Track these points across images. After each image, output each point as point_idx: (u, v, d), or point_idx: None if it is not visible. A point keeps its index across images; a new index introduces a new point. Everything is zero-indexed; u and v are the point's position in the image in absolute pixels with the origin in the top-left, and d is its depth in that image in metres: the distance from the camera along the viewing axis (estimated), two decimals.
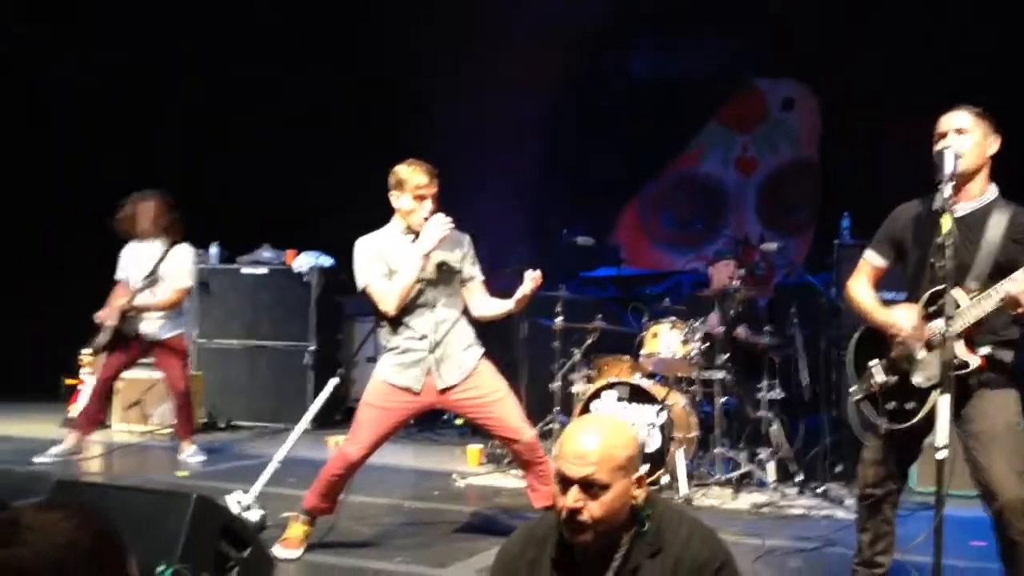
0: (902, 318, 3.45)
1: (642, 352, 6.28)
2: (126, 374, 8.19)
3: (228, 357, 8.67)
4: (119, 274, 6.80)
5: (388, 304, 4.41)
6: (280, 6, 9.96)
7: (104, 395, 7.01)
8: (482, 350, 4.60)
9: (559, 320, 6.80)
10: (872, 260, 3.69)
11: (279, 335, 8.59)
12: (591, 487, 2.26)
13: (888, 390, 3.49)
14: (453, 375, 4.45)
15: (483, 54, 9.49)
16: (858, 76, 8.27)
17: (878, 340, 3.56)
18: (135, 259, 6.72)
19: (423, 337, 4.44)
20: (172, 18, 9.56)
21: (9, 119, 9.47)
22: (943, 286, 3.15)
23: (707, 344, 6.15)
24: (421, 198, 4.39)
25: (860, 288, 3.68)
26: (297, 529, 4.48)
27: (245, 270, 8.72)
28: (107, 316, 6.63)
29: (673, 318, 6.28)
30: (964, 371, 3.24)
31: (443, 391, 4.46)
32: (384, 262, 4.44)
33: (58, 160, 9.76)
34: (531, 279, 4.42)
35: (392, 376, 4.46)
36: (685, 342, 6.10)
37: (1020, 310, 3.17)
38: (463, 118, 9.43)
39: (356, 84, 9.80)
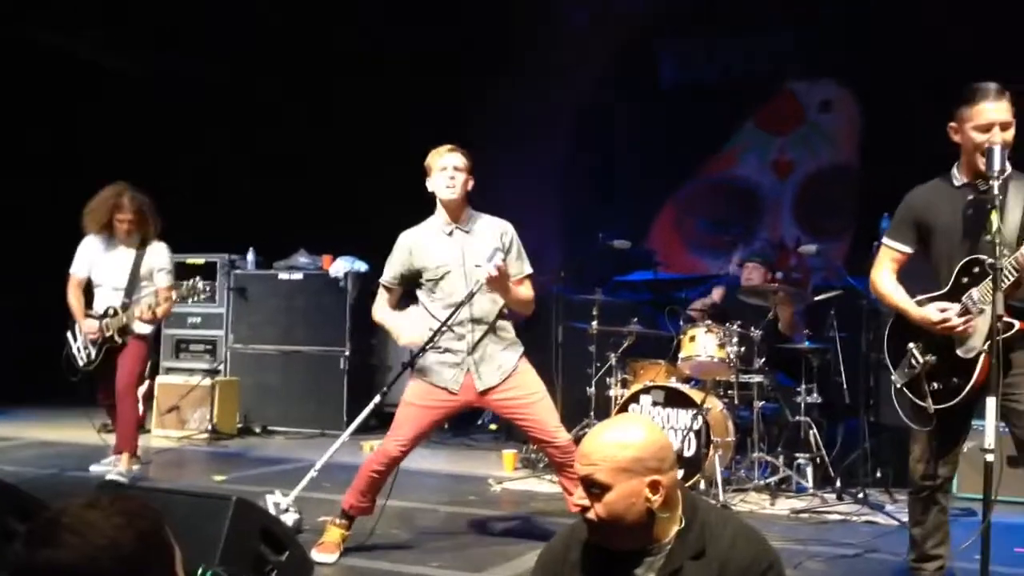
0: (948, 311, 3.41)
1: (679, 356, 6.24)
2: (162, 379, 8.32)
3: (263, 362, 8.72)
4: (78, 270, 6.11)
5: (372, 313, 4.59)
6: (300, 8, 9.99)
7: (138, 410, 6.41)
8: (522, 349, 4.56)
9: (594, 324, 6.78)
10: (895, 247, 3.65)
11: (314, 340, 8.62)
12: (593, 487, 2.26)
13: (931, 370, 3.46)
14: (492, 376, 4.44)
15: (519, 57, 9.51)
16: (898, 78, 8.18)
17: (910, 325, 3.54)
18: (110, 258, 6.09)
19: (461, 337, 4.43)
20: (201, 20, 9.62)
21: (40, 116, 9.57)
22: (978, 256, 3.21)
23: (744, 348, 6.09)
24: (444, 169, 4.39)
25: (886, 280, 3.66)
26: (334, 533, 4.48)
27: (281, 275, 8.76)
28: (99, 331, 5.94)
29: (709, 322, 6.23)
30: (1008, 334, 3.19)
31: (482, 392, 4.45)
32: (410, 258, 4.48)
33: (89, 164, 9.87)
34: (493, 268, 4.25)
35: (432, 375, 4.46)
36: (722, 346, 6.04)
37: None
38: (499, 121, 9.45)
39: (391, 88, 9.81)
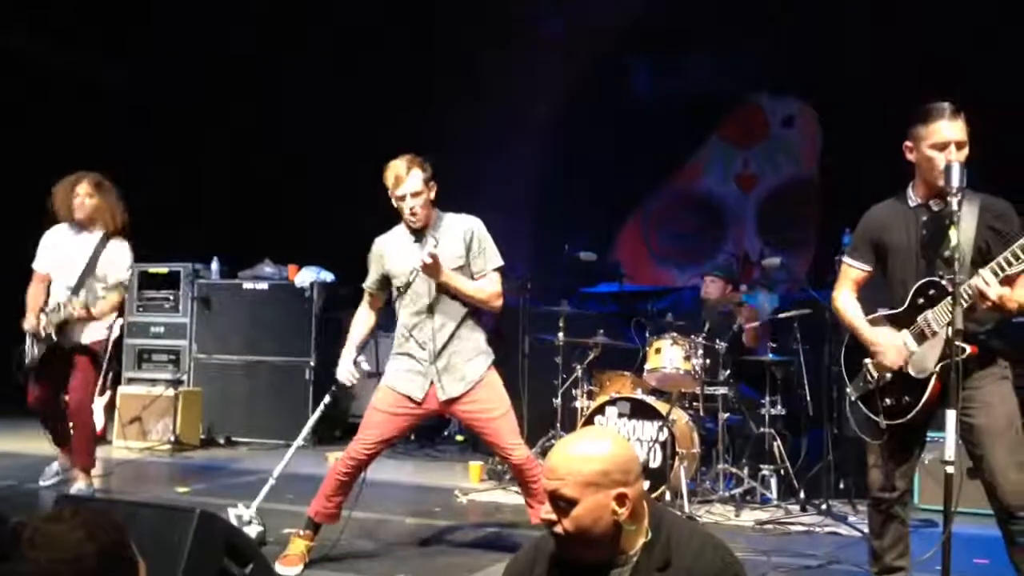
0: (887, 344, 3.51)
1: (645, 367, 6.27)
2: (124, 389, 8.22)
3: (227, 373, 8.64)
4: (39, 264, 5.86)
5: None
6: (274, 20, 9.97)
7: (63, 420, 5.97)
8: (490, 359, 4.55)
9: (561, 335, 6.80)
10: (854, 265, 3.72)
11: (279, 351, 8.56)
12: (560, 501, 2.26)
13: (885, 386, 3.53)
14: (455, 387, 4.44)
15: (488, 67, 9.53)
16: (858, 93, 8.29)
17: None
18: (67, 252, 5.78)
19: (424, 347, 4.44)
20: (170, 36, 9.59)
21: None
22: (933, 278, 3.32)
23: (709, 360, 6.14)
24: (403, 199, 4.37)
25: (845, 299, 3.73)
26: (298, 545, 4.45)
27: (246, 285, 8.71)
28: (38, 326, 5.61)
29: (675, 334, 6.27)
30: (960, 358, 3.24)
31: (445, 402, 4.45)
32: (381, 264, 4.54)
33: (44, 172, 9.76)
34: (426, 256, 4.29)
35: (396, 383, 4.48)
36: (688, 357, 6.09)
37: (987, 303, 3.23)
38: (467, 131, 9.45)
39: (359, 98, 9.81)
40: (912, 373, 3.45)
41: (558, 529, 2.28)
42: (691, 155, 10.12)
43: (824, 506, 5.81)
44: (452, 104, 9.60)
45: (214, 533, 3.20)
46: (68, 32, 9.48)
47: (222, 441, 8.38)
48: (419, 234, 4.48)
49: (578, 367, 6.71)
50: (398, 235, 4.55)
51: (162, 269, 8.79)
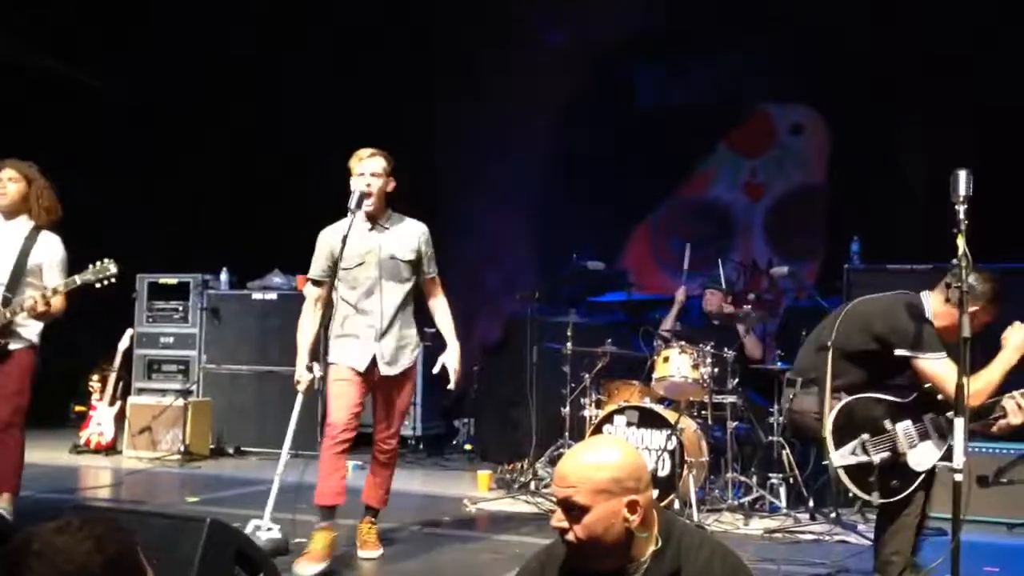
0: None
1: (653, 376, 6.27)
2: (134, 400, 8.26)
3: (237, 383, 8.66)
4: None
5: (300, 323, 4.96)
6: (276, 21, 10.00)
7: None
8: (417, 352, 4.90)
9: (569, 344, 6.81)
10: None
11: (288, 360, 8.40)
12: (571, 509, 2.27)
13: (879, 464, 3.61)
14: (391, 369, 4.78)
15: (493, 78, 9.56)
16: (867, 101, 8.31)
17: (870, 415, 3.70)
18: None
19: (371, 326, 4.74)
20: (170, 36, 9.63)
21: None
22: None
23: (718, 368, 6.15)
24: (361, 175, 4.73)
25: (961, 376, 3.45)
26: (321, 539, 4.49)
27: (255, 295, 8.73)
28: None
29: (683, 342, 6.27)
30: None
31: (382, 378, 4.77)
32: (331, 251, 4.78)
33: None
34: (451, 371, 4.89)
35: (342, 357, 4.77)
36: (696, 366, 6.09)
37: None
38: (473, 141, 9.48)
39: (364, 109, 9.85)
40: (910, 463, 3.59)
41: (570, 537, 2.28)
42: (699, 164, 10.13)
43: (833, 515, 5.79)
44: (459, 116, 9.63)
45: (224, 542, 3.22)
46: (68, 32, 9.49)
47: (231, 451, 8.39)
48: (373, 222, 4.78)
49: (586, 376, 6.71)
50: (347, 224, 4.71)
51: (171, 280, 8.83)
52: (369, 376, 4.75)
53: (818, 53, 8.95)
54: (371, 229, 4.79)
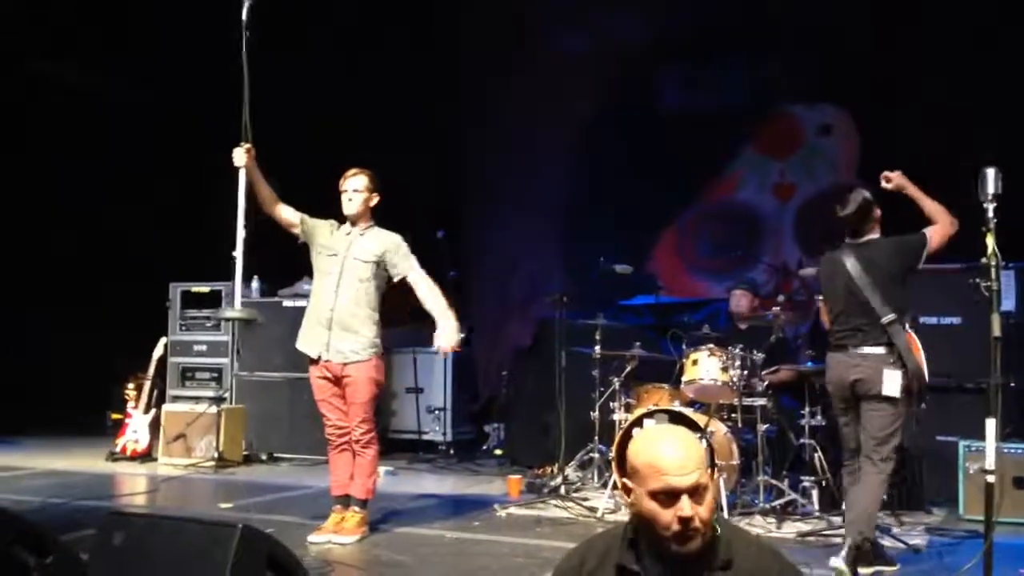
0: None
1: (682, 379, 6.25)
2: (168, 407, 8.36)
3: (269, 390, 8.72)
4: None
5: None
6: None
7: None
8: (372, 351, 5.23)
9: (597, 348, 6.80)
10: None
11: None
12: (697, 492, 2.23)
13: None
14: (338, 357, 5.21)
15: (518, 84, 9.58)
16: (897, 100, 8.25)
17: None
18: None
19: (324, 313, 5.24)
20: (199, 53, 9.71)
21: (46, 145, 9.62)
22: None
23: (748, 371, 6.11)
24: (344, 191, 5.36)
25: None
26: (333, 519, 5.16)
27: (286, 303, 8.79)
28: None
29: (712, 345, 6.25)
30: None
31: (341, 372, 5.21)
32: (315, 231, 5.43)
33: (98, 196, 9.84)
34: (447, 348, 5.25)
35: (302, 343, 5.35)
36: (725, 369, 6.06)
37: None
38: (499, 147, 9.51)
39: (387, 119, 9.89)
40: None
41: (696, 524, 2.23)
42: (727, 166, 10.11)
43: None
44: (485, 122, 9.65)
45: (256, 548, 3.26)
46: (68, 32, 9.57)
47: (264, 457, 8.46)
48: (353, 226, 5.38)
49: (615, 380, 6.70)
50: (337, 224, 5.46)
51: (204, 288, 8.92)
52: (329, 367, 5.22)
53: (849, 52, 8.90)
54: (348, 234, 5.40)
